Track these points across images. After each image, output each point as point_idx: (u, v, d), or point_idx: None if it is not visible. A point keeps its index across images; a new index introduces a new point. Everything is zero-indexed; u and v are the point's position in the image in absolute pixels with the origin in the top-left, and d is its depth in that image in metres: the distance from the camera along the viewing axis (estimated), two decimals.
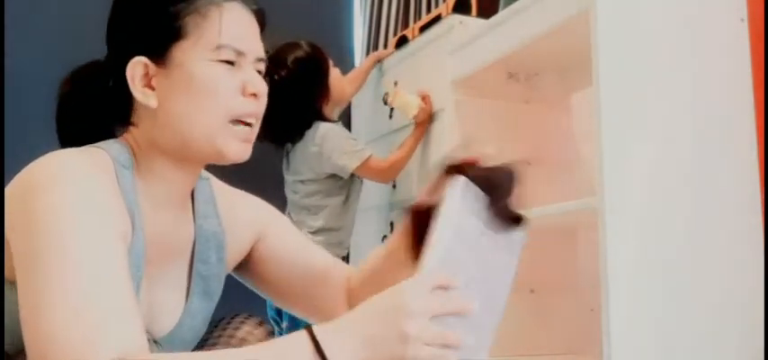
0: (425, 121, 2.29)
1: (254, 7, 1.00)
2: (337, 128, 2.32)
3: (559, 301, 2.06)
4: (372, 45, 3.26)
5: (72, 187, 0.83)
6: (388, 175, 2.34)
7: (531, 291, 2.06)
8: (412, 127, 2.35)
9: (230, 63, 0.94)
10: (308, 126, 2.27)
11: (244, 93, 0.95)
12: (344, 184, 2.31)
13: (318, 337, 0.79)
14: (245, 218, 1.13)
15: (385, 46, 3.16)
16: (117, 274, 0.81)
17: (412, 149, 2.32)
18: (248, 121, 0.96)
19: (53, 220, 0.80)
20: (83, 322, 0.75)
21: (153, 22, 0.95)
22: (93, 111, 1.00)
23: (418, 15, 2.97)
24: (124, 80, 0.94)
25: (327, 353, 0.78)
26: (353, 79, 2.56)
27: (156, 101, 0.94)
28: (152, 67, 0.94)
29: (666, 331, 1.47)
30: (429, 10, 2.88)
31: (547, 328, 2.04)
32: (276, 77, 2.19)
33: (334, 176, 2.28)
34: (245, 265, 1.15)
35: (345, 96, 2.47)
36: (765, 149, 1.59)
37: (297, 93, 2.24)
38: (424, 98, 2.28)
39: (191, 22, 0.93)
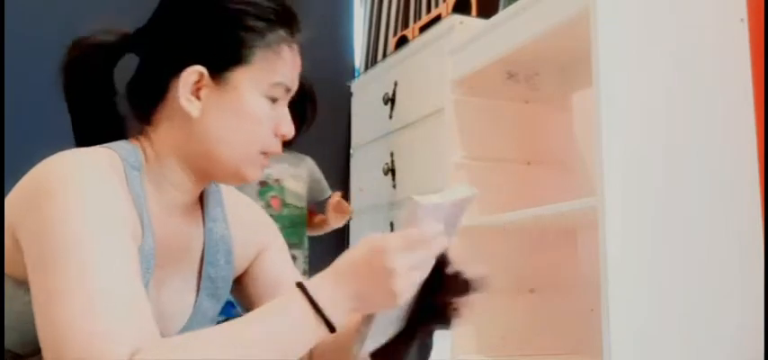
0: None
1: (300, 49, 1.04)
2: None
3: (559, 301, 2.06)
4: (372, 45, 3.27)
5: (84, 188, 0.84)
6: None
7: (531, 291, 2.06)
8: (412, 126, 2.36)
9: (275, 100, 0.98)
10: None
11: (277, 132, 0.99)
12: None
13: (312, 294, 0.83)
14: (252, 227, 1.14)
15: (385, 46, 3.16)
16: (129, 272, 0.82)
17: (324, 227, 2.40)
18: (275, 153, 1.01)
19: (67, 221, 0.81)
20: (98, 318, 0.76)
21: (223, 42, 0.96)
22: (113, 91, 1.00)
23: (418, 15, 2.98)
24: (164, 79, 0.95)
25: (324, 309, 0.83)
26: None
27: (199, 112, 0.94)
28: (207, 79, 0.94)
29: (666, 331, 1.47)
30: (429, 10, 2.88)
31: (547, 328, 2.04)
32: None
33: None
34: (239, 279, 1.15)
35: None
36: (765, 149, 1.59)
37: None
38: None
39: (259, 52, 0.95)
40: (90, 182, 0.85)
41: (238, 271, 1.11)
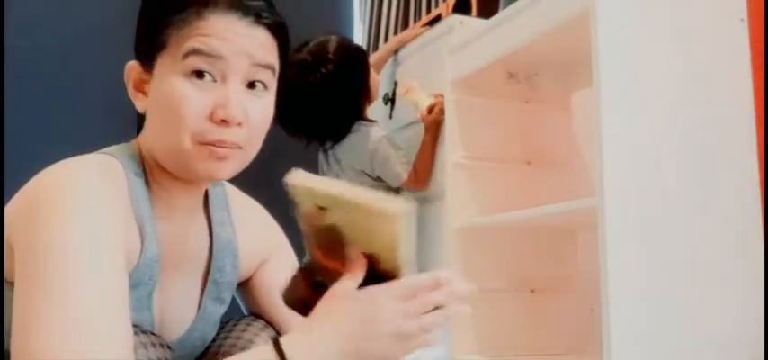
0: (434, 123, 2.21)
1: (268, 20, 0.91)
2: (387, 136, 2.27)
3: (559, 301, 2.06)
4: (372, 45, 3.27)
5: (76, 207, 0.81)
6: (420, 182, 2.25)
7: (531, 291, 2.06)
8: (412, 125, 2.35)
9: (200, 75, 0.87)
10: (350, 126, 2.23)
11: (213, 118, 0.87)
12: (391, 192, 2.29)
13: (285, 351, 0.80)
14: (258, 233, 1.11)
15: None
16: (111, 304, 0.79)
17: (428, 150, 2.23)
18: (221, 145, 0.88)
19: (55, 242, 0.79)
20: (73, 347, 0.74)
21: (144, 30, 0.93)
22: None
23: (418, 15, 2.98)
24: None
25: None
26: (375, 65, 2.47)
27: (143, 107, 0.93)
28: (142, 72, 0.93)
29: (666, 331, 1.47)
30: (429, 10, 2.88)
31: (547, 328, 2.04)
32: (320, 73, 2.16)
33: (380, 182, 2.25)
34: (243, 283, 1.14)
35: (376, 93, 2.40)
36: (765, 149, 1.59)
37: (343, 88, 2.19)
38: (436, 99, 2.20)
39: (172, 32, 0.88)
40: (83, 200, 0.82)
41: (243, 276, 1.10)
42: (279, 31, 0.93)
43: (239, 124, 0.88)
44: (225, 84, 0.88)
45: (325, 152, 2.32)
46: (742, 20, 1.62)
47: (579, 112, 2.15)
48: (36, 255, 0.79)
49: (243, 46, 0.89)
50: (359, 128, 2.25)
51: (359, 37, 3.41)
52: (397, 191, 2.25)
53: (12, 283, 0.86)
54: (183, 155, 0.88)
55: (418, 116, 2.26)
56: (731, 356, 1.51)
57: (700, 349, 1.49)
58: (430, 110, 2.20)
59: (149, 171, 0.95)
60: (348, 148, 2.26)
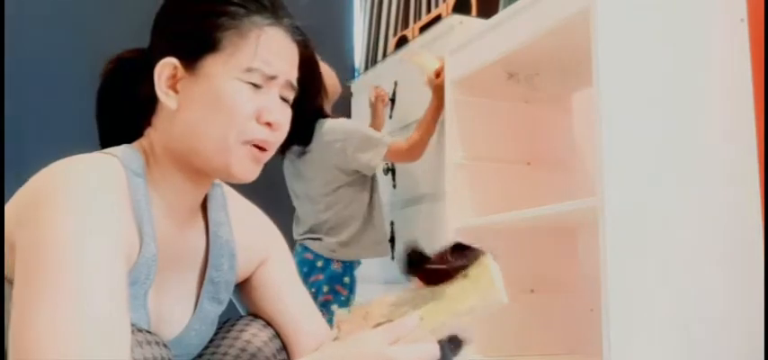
0: (441, 87, 2.20)
1: (300, 38, 1.00)
2: (352, 123, 2.31)
3: (559, 301, 2.06)
4: (372, 45, 3.27)
5: (76, 207, 0.82)
6: (411, 154, 2.29)
7: (531, 291, 2.06)
8: (412, 126, 2.35)
9: (257, 86, 0.94)
10: (315, 126, 2.26)
11: (259, 119, 0.94)
12: (368, 180, 2.32)
13: None
14: (255, 234, 1.12)
15: (385, 46, 3.16)
16: (109, 302, 0.79)
17: (430, 122, 2.26)
18: (261, 146, 0.96)
19: (53, 242, 0.79)
20: (69, 345, 0.74)
21: (192, 29, 0.95)
22: (132, 99, 1.00)
23: (418, 15, 2.98)
24: (152, 77, 0.95)
25: None
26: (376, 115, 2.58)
27: (177, 104, 0.94)
28: (181, 70, 0.94)
29: (666, 331, 1.47)
30: (429, 10, 2.89)
31: (547, 328, 2.04)
32: None
33: (357, 173, 2.29)
34: (240, 284, 1.14)
35: (335, 89, 2.45)
36: (765, 149, 1.59)
37: (304, 89, 2.23)
38: (441, 66, 2.22)
39: (228, 37, 0.93)
40: (81, 199, 0.83)
41: (241, 276, 1.11)
42: (302, 47, 1.01)
43: (278, 128, 0.96)
44: (269, 89, 0.95)
45: (291, 158, 2.34)
46: (742, 20, 1.62)
47: (579, 112, 2.15)
48: (35, 252, 0.79)
49: (287, 61, 0.97)
50: (322, 125, 2.27)
51: (359, 37, 3.41)
52: (391, 171, 2.30)
53: (11, 282, 0.86)
54: (227, 153, 0.93)
55: (426, 79, 2.25)
56: (731, 356, 1.51)
57: (699, 349, 1.49)
58: (438, 73, 2.21)
59: (154, 170, 0.95)
60: (317, 149, 2.27)
